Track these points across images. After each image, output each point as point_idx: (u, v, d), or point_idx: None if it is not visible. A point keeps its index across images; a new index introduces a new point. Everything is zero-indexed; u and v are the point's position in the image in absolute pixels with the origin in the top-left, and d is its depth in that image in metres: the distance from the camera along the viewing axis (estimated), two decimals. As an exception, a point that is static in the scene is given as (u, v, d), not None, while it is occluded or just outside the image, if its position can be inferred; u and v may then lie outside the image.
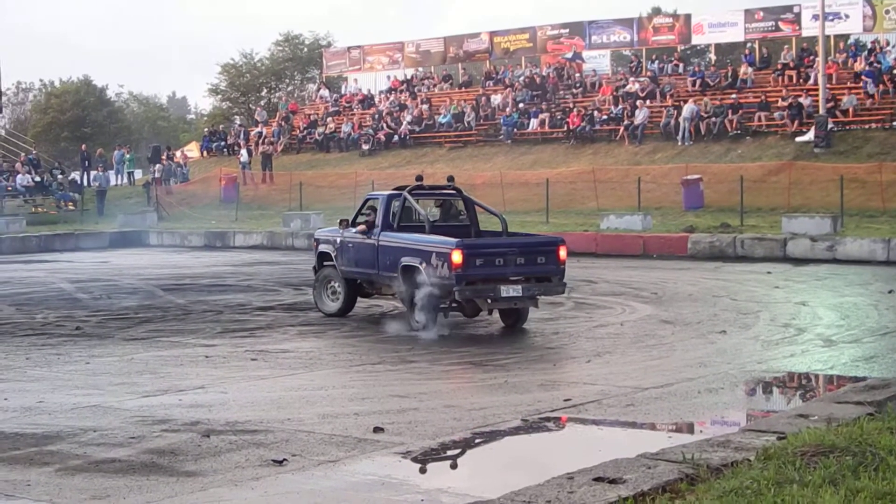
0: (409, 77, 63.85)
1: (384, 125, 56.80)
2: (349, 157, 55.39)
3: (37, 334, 18.42)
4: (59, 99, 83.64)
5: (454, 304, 18.34)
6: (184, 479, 9.12)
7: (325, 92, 66.36)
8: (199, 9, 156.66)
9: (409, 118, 56.40)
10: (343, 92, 65.41)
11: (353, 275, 20.29)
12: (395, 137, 55.51)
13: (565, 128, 50.75)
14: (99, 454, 9.95)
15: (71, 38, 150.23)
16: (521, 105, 53.77)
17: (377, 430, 10.71)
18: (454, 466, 9.92)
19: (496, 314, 19.24)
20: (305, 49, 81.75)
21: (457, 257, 17.53)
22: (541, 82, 55.62)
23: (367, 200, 20.88)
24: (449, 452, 10.23)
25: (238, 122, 76.03)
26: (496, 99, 55.73)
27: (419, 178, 20.75)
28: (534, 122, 52.32)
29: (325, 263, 20.92)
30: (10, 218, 45.76)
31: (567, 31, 58.80)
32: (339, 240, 20.44)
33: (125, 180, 58.83)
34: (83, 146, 60.08)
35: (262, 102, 77.83)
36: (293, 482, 9.04)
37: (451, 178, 21.10)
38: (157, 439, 10.48)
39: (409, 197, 19.74)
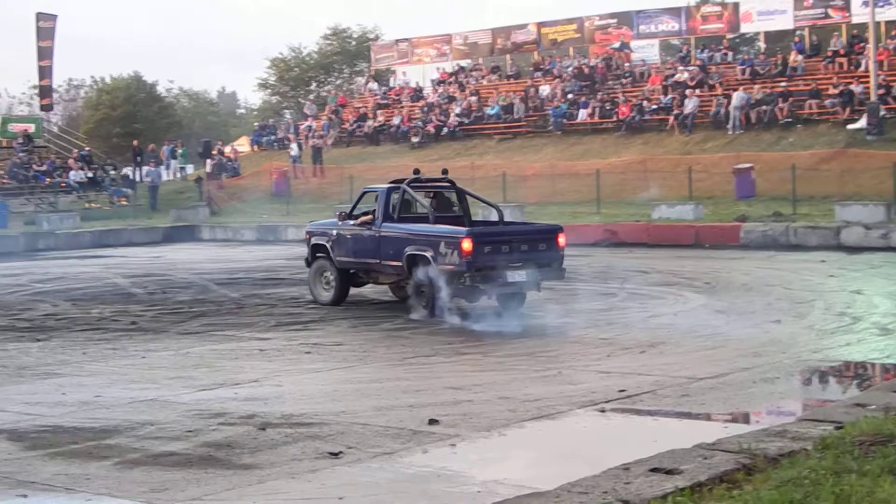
0: (457, 69, 63.79)
1: (433, 117, 56.77)
2: (399, 150, 55.37)
3: (93, 329, 18.58)
4: (110, 95, 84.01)
5: (465, 289, 18.87)
6: (241, 472, 9.18)
7: (373, 85, 66.37)
8: (248, 3, 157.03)
9: (457, 110, 56.34)
10: (391, 85, 65.41)
11: (350, 265, 21.08)
12: (445, 130, 55.45)
13: (615, 118, 50.55)
14: (156, 448, 10.03)
15: (121, 35, 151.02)
16: (569, 96, 53.59)
17: (432, 421, 10.74)
18: (509, 458, 9.93)
19: (483, 302, 19.71)
20: (354, 42, 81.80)
21: (467, 245, 18.36)
22: (589, 73, 55.41)
23: (364, 193, 21.82)
24: (504, 444, 10.23)
25: (288, 116, 76.20)
26: (545, 90, 55.57)
27: (416, 172, 21.29)
28: (583, 113, 52.13)
29: (318, 255, 21.56)
30: (64, 214, 46.09)
31: (615, 20, 58.50)
32: (335, 232, 21.15)
33: (177, 175, 59.11)
34: (134, 142, 60.37)
35: (312, 96, 77.97)
36: (349, 474, 9.07)
37: (445, 171, 21.65)
38: (214, 432, 10.55)
39: (408, 189, 20.51)
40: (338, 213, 21.52)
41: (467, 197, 21.83)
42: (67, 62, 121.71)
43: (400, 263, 19.62)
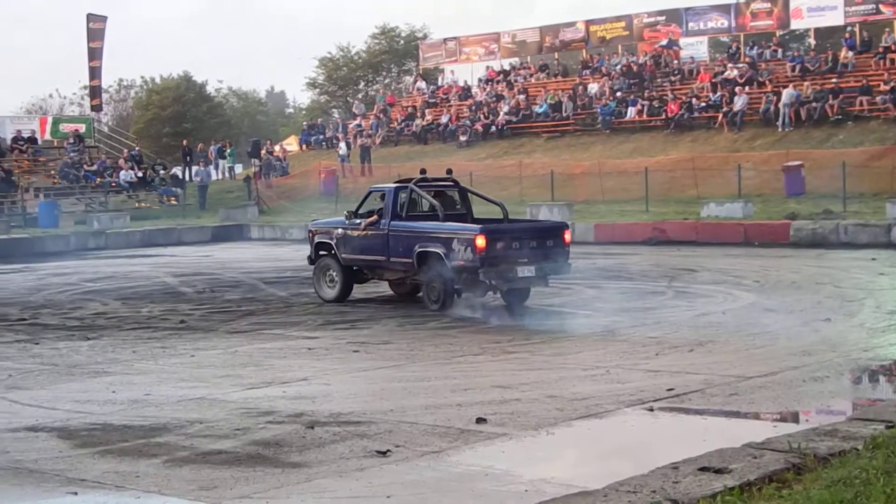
0: (505, 67, 63.76)
1: (481, 116, 56.77)
2: (447, 149, 55.40)
3: (142, 328, 18.70)
4: (159, 95, 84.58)
5: (474, 284, 19.53)
6: (289, 471, 9.20)
7: (421, 84, 66.45)
8: (296, 3, 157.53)
9: (506, 108, 56.31)
10: (440, 83, 65.46)
11: (355, 262, 21.66)
12: (493, 128, 55.44)
13: (663, 116, 50.38)
14: (205, 446, 10.07)
15: (171, 35, 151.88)
16: (618, 93, 53.48)
17: (480, 420, 10.73)
18: (557, 456, 9.91)
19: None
20: (402, 41, 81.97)
21: (481, 241, 19.07)
22: (638, 70, 55.25)
23: (370, 192, 22.49)
24: (552, 442, 10.20)
25: (336, 115, 76.41)
26: (593, 88, 55.46)
27: (423, 171, 22.01)
28: (631, 111, 52.01)
29: (322, 253, 22.09)
30: (114, 213, 46.40)
31: (663, 18, 58.33)
32: (340, 230, 21.68)
33: (226, 175, 59.38)
34: (184, 141, 60.70)
35: (360, 95, 78.17)
36: (397, 473, 9.08)
37: (449, 171, 22.37)
38: (262, 431, 10.58)
39: (416, 188, 21.11)
40: (346, 213, 21.87)
41: (468, 195, 22.29)
42: (118, 63, 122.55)
43: (409, 260, 20.27)
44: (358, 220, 21.34)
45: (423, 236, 20.24)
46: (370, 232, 21.07)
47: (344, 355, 15.36)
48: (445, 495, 8.60)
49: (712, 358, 14.40)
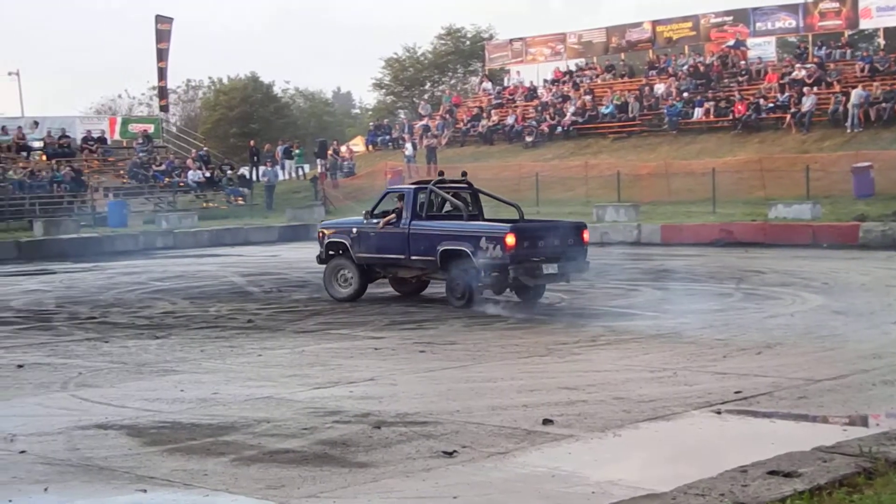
0: (571, 68, 63.62)
1: (547, 117, 56.69)
2: (513, 150, 55.39)
3: (210, 327, 18.82)
4: (227, 96, 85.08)
5: (495, 281, 20.19)
6: (356, 470, 9.22)
7: (487, 84, 66.44)
8: (362, 3, 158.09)
9: (572, 109, 56.20)
10: (506, 84, 65.42)
11: (371, 261, 22.08)
12: (559, 129, 55.35)
13: (731, 116, 50.08)
14: (273, 445, 10.11)
15: (238, 35, 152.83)
16: (685, 94, 53.22)
17: (546, 421, 10.71)
18: (624, 458, 9.87)
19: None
20: (468, 42, 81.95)
21: (510, 239, 19.79)
22: (705, 71, 54.96)
23: (387, 193, 23.14)
24: (619, 444, 10.16)
25: (402, 115, 76.55)
26: (660, 88, 55.23)
27: (441, 174, 22.63)
28: (698, 111, 51.74)
29: (332, 253, 22.53)
30: (182, 213, 46.76)
31: (731, 18, 57.98)
32: (355, 230, 22.12)
33: (293, 175, 59.65)
34: (251, 142, 61.06)
35: (426, 96, 78.27)
36: (463, 474, 9.08)
37: (464, 174, 22.83)
38: (329, 430, 10.61)
39: (436, 189, 21.87)
40: (365, 213, 22.27)
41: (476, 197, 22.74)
42: (187, 64, 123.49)
43: (432, 258, 20.89)
44: (375, 220, 21.83)
45: (447, 235, 20.91)
46: (388, 231, 21.53)
47: (410, 355, 15.39)
48: (512, 496, 8.59)
49: (780, 360, 14.29)
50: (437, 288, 22.58)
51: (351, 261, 22.20)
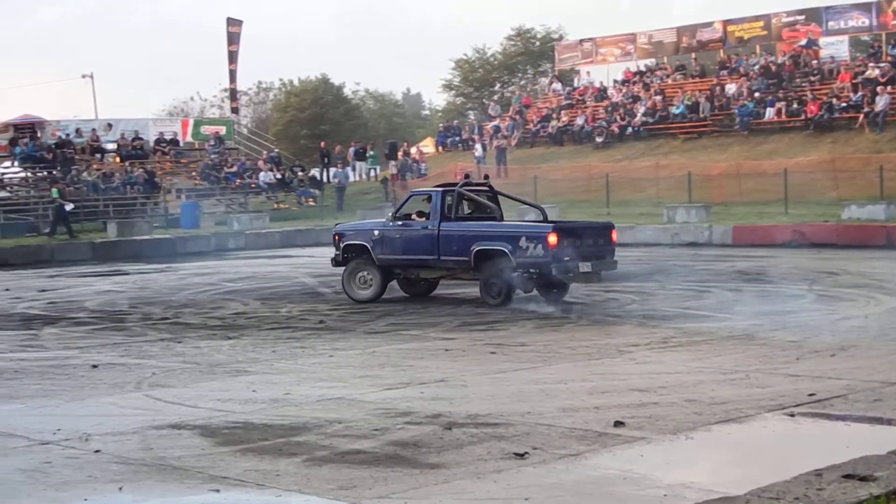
0: (641, 68, 63.36)
1: (617, 117, 56.51)
2: (582, 150, 55.28)
3: (282, 328, 18.93)
4: (298, 98, 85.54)
5: (525, 280, 20.90)
6: (427, 471, 9.23)
7: (557, 85, 66.33)
8: (432, 4, 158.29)
9: (642, 109, 55.99)
10: (575, 85, 65.28)
11: (395, 262, 22.63)
12: (629, 129, 55.16)
13: (803, 116, 49.66)
14: (344, 445, 10.14)
15: (309, 37, 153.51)
16: (756, 94, 52.86)
17: (618, 423, 10.66)
18: (696, 461, 9.81)
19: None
20: (537, 43, 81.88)
21: (553, 238, 20.55)
22: (776, 70, 54.54)
23: (411, 196, 23.90)
24: (691, 447, 10.11)
25: (472, 116, 76.58)
26: (731, 88, 54.89)
27: (467, 176, 23.35)
28: (770, 111, 51.36)
29: (353, 255, 22.84)
30: (253, 214, 47.09)
31: (803, 17, 57.49)
32: (377, 232, 22.57)
33: (363, 176, 59.85)
34: (322, 143, 61.34)
35: (496, 97, 78.27)
36: (535, 475, 9.06)
37: (486, 177, 23.75)
38: (401, 431, 10.63)
39: (464, 191, 22.57)
40: (390, 215, 23.01)
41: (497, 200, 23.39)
42: (258, 65, 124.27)
43: (465, 258, 21.45)
44: (399, 222, 22.30)
45: (482, 235, 21.58)
46: (416, 232, 22.05)
47: (481, 356, 15.38)
48: (584, 498, 8.57)
49: (855, 363, 14.14)
50: (444, 290, 22.61)
51: (371, 262, 22.58)
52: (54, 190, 43.74)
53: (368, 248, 22.48)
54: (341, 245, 23.00)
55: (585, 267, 20.92)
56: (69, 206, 42.95)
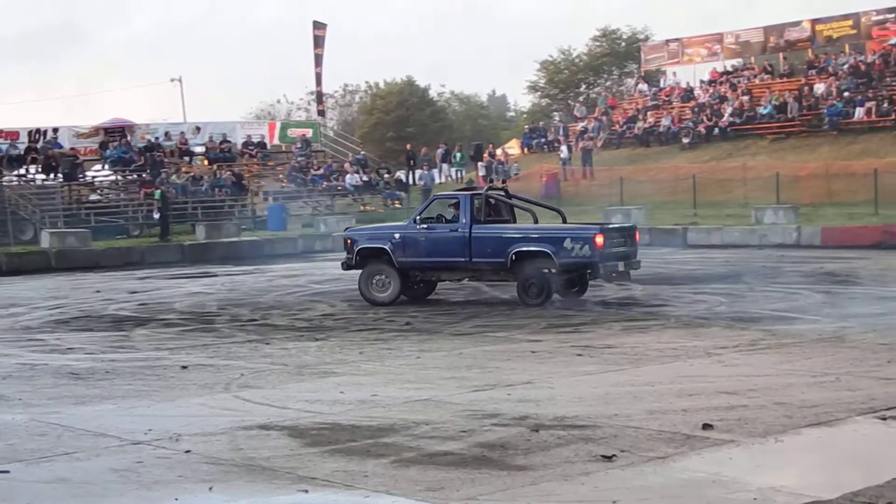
0: (728, 68, 62.86)
1: (704, 118, 56.11)
2: (669, 151, 54.97)
3: (369, 329, 19.02)
4: (383, 100, 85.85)
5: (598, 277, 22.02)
6: (514, 473, 9.23)
7: (643, 86, 66.03)
8: (517, 6, 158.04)
9: (729, 110, 55.55)
10: (662, 85, 64.93)
11: (419, 265, 23.00)
12: (716, 130, 54.76)
13: (893, 116, 49.02)
14: (432, 447, 10.17)
15: (394, 40, 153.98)
16: (845, 94, 52.24)
17: (706, 426, 10.60)
18: (786, 465, 9.72)
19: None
20: (623, 44, 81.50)
21: (600, 239, 21.49)
22: (866, 69, 53.87)
23: (434, 199, 24.52)
24: (780, 450, 10.01)
25: (557, 118, 76.43)
26: (819, 88, 54.30)
27: (491, 180, 24.01)
28: (859, 111, 50.74)
29: (368, 258, 23.16)
30: (340, 216, 47.25)
31: (892, 15, 56.68)
32: (398, 235, 23.03)
33: (450, 178, 59.92)
34: (407, 145, 61.48)
35: (581, 98, 78.05)
36: (622, 478, 9.03)
37: (504, 181, 25.17)
38: (487, 433, 10.64)
39: (494, 196, 23.46)
40: (415, 218, 23.23)
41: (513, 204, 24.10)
42: (344, 68, 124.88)
43: (501, 260, 22.02)
44: (424, 225, 22.73)
45: (522, 238, 22.27)
46: (444, 235, 22.57)
47: (568, 358, 15.34)
48: (672, 501, 8.53)
49: (948, 365, 13.95)
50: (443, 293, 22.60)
51: (390, 265, 22.88)
52: (157, 191, 44.33)
53: (388, 251, 22.84)
54: (355, 249, 23.29)
55: (621, 266, 22.00)
56: (156, 215, 43.51)
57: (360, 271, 23.31)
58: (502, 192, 24.43)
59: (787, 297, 21.74)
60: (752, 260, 30.79)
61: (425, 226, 22.80)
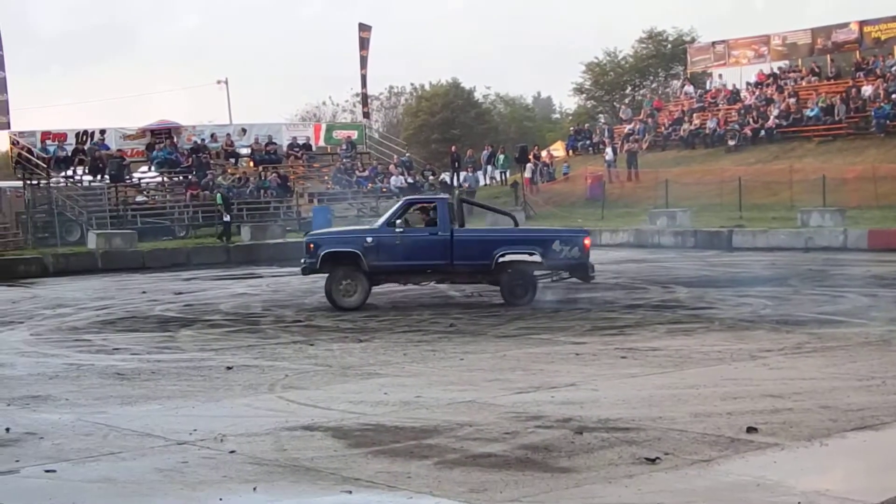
0: (775, 70, 62.55)
1: (750, 120, 55.86)
2: (714, 154, 54.75)
3: (413, 331, 19.05)
4: (429, 102, 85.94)
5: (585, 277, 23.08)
6: (558, 475, 9.22)
7: (689, 88, 65.80)
8: (562, 8, 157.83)
9: (775, 112, 55.27)
10: (708, 87, 64.68)
11: (394, 269, 23.03)
12: (762, 132, 54.50)
13: (942, 118, 48.71)
14: (475, 448, 10.17)
15: (439, 42, 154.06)
16: (893, 96, 51.88)
17: (751, 429, 10.55)
18: (831, 468, 9.68)
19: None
20: (669, 45, 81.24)
21: (588, 242, 23.10)
22: (915, 71, 53.54)
23: (408, 203, 24.12)
24: (825, 454, 9.96)
25: (602, 120, 76.27)
26: (867, 90, 53.95)
27: (458, 187, 25.23)
28: (907, 113, 50.42)
29: (328, 262, 22.88)
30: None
31: (942, 16, 56.37)
32: (370, 239, 22.87)
33: (495, 180, 59.92)
34: (452, 147, 61.50)
35: (627, 100, 77.85)
36: (666, 481, 9.01)
37: (459, 187, 24.88)
38: (531, 435, 10.64)
39: (467, 200, 25.40)
40: (389, 222, 23.07)
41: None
42: (389, 70, 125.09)
43: (485, 262, 22.59)
44: (399, 229, 22.70)
45: (507, 240, 23.17)
46: (422, 238, 22.83)
47: (612, 361, 15.31)
48: (716, 505, 8.52)
49: None
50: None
51: (358, 269, 22.74)
52: (218, 195, 44.66)
53: (359, 254, 22.68)
54: (319, 253, 22.95)
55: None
56: (226, 217, 43.81)
57: (321, 275, 23.40)
58: (439, 199, 24.51)
59: (833, 301, 21.62)
60: (797, 263, 30.64)
61: (400, 230, 22.77)
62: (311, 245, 23.35)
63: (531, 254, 22.72)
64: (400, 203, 24.44)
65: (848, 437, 10.43)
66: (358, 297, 22.74)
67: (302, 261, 23.61)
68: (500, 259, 22.61)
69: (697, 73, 68.86)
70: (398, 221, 22.92)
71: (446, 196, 24.85)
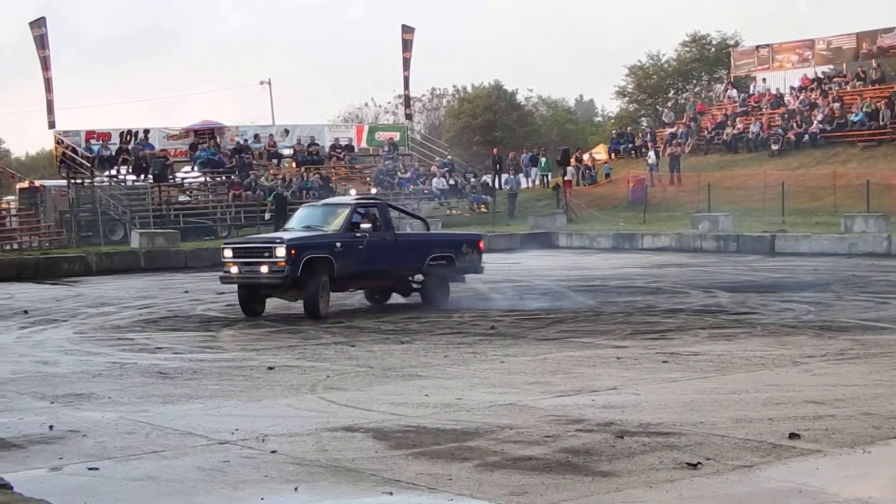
0: (819, 75, 62.21)
1: (794, 125, 55.58)
2: (757, 158, 54.51)
3: (454, 333, 19.06)
4: (471, 104, 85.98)
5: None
6: (598, 479, 9.21)
7: (732, 92, 65.50)
8: (606, 11, 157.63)
9: (819, 117, 54.97)
10: (751, 91, 64.39)
11: (359, 274, 22.64)
12: (806, 137, 54.23)
13: None
14: (516, 451, 10.17)
15: (482, 44, 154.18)
16: (939, 101, 51.58)
17: (793, 436, 10.51)
18: (875, 475, 9.61)
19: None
20: (713, 49, 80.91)
21: (483, 244, 24.77)
22: (962, 76, 53.16)
23: (355, 208, 23.05)
24: (868, 461, 9.90)
25: (645, 123, 76.08)
26: (912, 95, 53.61)
27: (369, 191, 27.42)
28: (954, 119, 50.07)
29: (310, 269, 21.37)
30: (428, 220, 47.32)
31: None
32: (339, 244, 21.95)
33: (536, 183, 59.89)
34: (494, 150, 61.51)
35: (670, 104, 77.59)
36: (708, 486, 8.98)
37: (375, 191, 26.83)
38: (572, 438, 10.63)
39: (396, 206, 27.04)
40: (343, 227, 22.49)
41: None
42: (431, 71, 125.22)
43: (419, 265, 23.33)
44: (358, 233, 22.22)
45: (436, 243, 24.47)
46: (376, 242, 22.54)
47: (653, 365, 15.26)
48: (757, 511, 8.48)
49: None
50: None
51: (327, 275, 21.75)
52: (270, 197, 44.91)
53: (331, 260, 21.75)
54: (301, 259, 21.24)
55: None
56: (266, 216, 44.11)
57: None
58: (378, 202, 24.80)
59: (877, 307, 21.49)
60: (840, 269, 30.46)
61: (359, 233, 22.21)
62: (293, 251, 21.29)
63: (452, 256, 23.73)
64: (351, 205, 23.27)
65: (891, 445, 10.36)
66: (325, 303, 21.85)
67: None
68: (431, 262, 23.34)
69: (741, 77, 68.55)
70: (364, 225, 22.41)
71: (380, 199, 26.21)
